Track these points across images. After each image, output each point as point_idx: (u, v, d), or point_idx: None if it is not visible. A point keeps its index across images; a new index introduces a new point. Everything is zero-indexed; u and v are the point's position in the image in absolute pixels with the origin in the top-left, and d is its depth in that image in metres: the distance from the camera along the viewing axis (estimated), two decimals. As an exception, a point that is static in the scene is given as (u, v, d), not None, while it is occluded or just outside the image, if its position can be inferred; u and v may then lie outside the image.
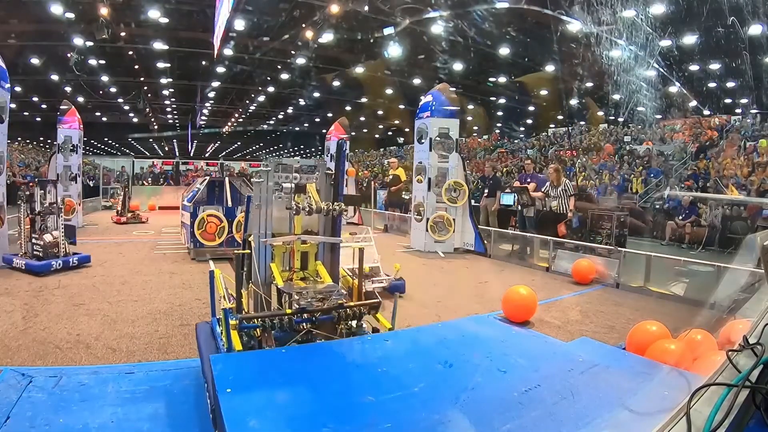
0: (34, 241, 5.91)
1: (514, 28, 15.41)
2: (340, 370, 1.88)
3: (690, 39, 14.28)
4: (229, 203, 7.20)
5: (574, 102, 20.94)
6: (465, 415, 1.52)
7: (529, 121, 26.01)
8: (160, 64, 19.86)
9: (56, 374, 2.82)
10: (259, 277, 2.71)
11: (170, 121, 29.93)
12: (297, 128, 32.54)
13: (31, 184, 7.39)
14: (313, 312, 2.35)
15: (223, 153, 37.88)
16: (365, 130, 32.05)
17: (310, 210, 2.61)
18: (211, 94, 25.31)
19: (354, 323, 2.48)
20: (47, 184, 6.32)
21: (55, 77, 19.82)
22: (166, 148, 35.44)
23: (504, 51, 17.28)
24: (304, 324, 2.41)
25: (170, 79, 22.02)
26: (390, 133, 32.95)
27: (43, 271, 5.59)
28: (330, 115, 26.76)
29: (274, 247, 2.79)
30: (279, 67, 20.71)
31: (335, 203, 2.73)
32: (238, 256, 2.70)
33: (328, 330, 2.48)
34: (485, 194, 9.88)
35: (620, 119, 19.42)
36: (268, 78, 22.35)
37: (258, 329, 2.32)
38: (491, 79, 21.16)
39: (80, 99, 21.81)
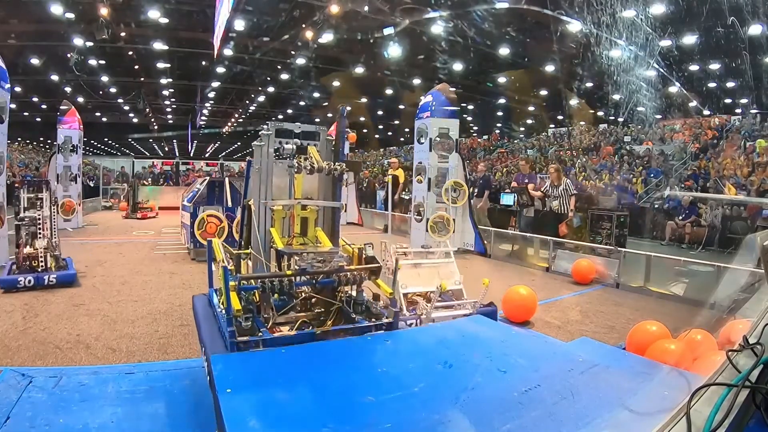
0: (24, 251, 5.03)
1: (513, 28, 15.40)
2: (340, 370, 1.87)
3: (690, 39, 14.27)
4: (229, 203, 7.20)
5: (573, 102, 20.96)
6: (465, 415, 1.52)
7: (529, 121, 26.01)
8: (160, 64, 19.85)
9: (56, 374, 2.81)
10: (259, 241, 2.65)
11: (170, 121, 29.90)
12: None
13: (16, 183, 6.30)
14: (313, 274, 2.29)
15: (223, 153, 37.86)
16: (365, 130, 32.03)
17: (311, 169, 2.56)
18: (211, 94, 25.30)
19: (354, 291, 2.43)
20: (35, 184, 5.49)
21: (55, 77, 19.80)
22: (166, 148, 35.44)
23: (504, 51, 17.27)
24: (305, 289, 2.35)
25: (170, 79, 22.00)
26: (390, 133, 32.95)
27: (7, 287, 4.81)
28: (330, 115, 26.77)
29: (274, 212, 2.75)
30: (279, 67, 20.70)
31: (336, 164, 2.68)
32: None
33: (327, 296, 2.45)
34: (475, 194, 9.85)
35: (620, 119, 19.42)
36: (268, 78, 22.33)
37: (257, 291, 2.27)
38: (491, 79, 21.15)
39: (80, 99, 21.80)
